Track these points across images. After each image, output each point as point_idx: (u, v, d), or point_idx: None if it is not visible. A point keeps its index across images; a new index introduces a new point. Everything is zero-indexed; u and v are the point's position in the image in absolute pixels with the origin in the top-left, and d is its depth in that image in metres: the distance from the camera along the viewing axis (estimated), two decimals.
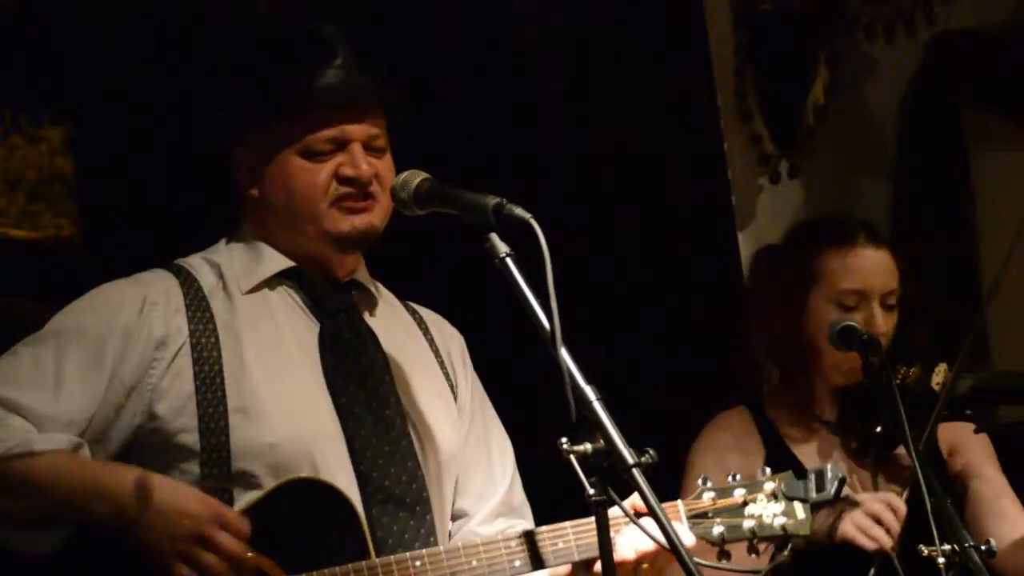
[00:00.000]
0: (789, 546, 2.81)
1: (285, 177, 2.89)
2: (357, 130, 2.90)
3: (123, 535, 2.61)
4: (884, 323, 3.58)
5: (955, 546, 3.17)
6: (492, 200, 2.62)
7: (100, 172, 3.76)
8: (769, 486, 2.83)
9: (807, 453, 3.60)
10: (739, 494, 2.82)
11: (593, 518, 2.70)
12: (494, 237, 2.60)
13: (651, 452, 2.43)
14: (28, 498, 2.66)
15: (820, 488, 2.82)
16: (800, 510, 2.82)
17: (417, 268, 3.76)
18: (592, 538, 2.74)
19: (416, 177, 2.78)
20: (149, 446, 2.78)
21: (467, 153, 3.93)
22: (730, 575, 2.74)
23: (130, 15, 3.75)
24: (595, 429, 2.43)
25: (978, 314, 3.54)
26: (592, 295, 4.10)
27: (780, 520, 2.80)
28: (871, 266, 3.61)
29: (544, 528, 2.78)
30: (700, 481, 2.84)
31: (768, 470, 2.86)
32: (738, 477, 2.85)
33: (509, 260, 2.57)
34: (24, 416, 2.70)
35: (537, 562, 2.75)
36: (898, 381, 3.53)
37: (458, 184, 2.73)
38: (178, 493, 2.64)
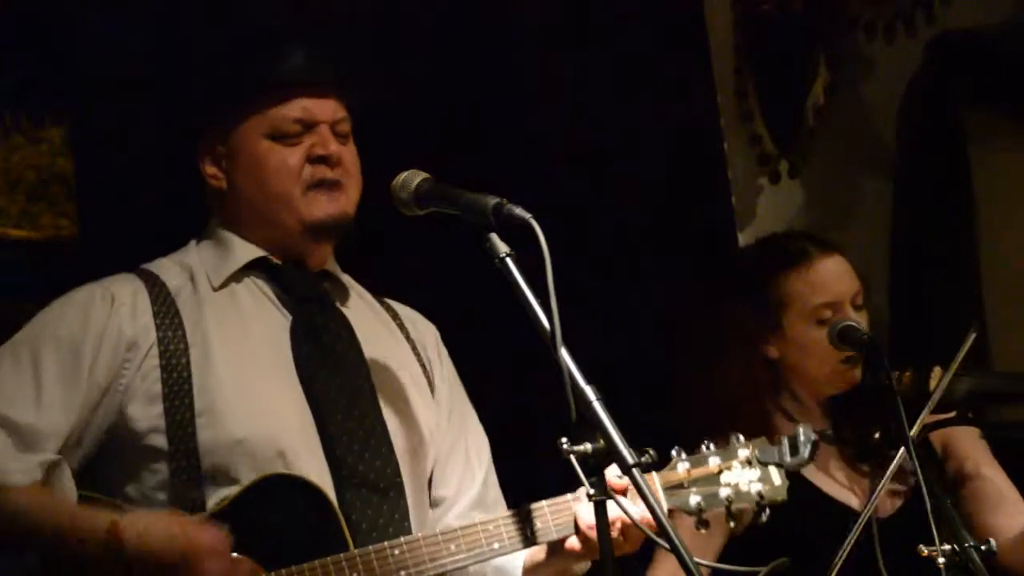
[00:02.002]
0: (767, 512, 2.80)
1: (255, 161, 2.90)
2: (323, 110, 2.92)
3: None
4: (862, 325, 3.60)
5: (955, 546, 3.16)
6: (492, 200, 2.63)
7: (100, 172, 3.76)
8: (743, 452, 2.83)
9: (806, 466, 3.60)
10: (714, 462, 2.82)
11: (567, 496, 2.76)
12: (494, 237, 2.61)
13: (651, 452, 2.44)
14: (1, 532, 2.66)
15: (794, 451, 2.83)
16: (776, 475, 2.83)
17: (417, 266, 3.77)
18: (568, 517, 2.78)
19: (416, 177, 2.78)
20: (120, 447, 2.79)
21: (466, 153, 3.93)
22: (730, 575, 2.74)
23: (130, 15, 3.75)
24: (595, 429, 2.43)
25: (975, 317, 3.54)
26: (592, 295, 4.10)
27: (756, 487, 2.81)
28: (833, 275, 3.62)
29: (521, 509, 2.79)
30: (674, 452, 2.83)
31: (741, 437, 2.86)
32: (712, 447, 2.84)
33: (509, 260, 2.58)
34: (7, 428, 2.71)
35: (516, 543, 2.77)
36: (878, 384, 3.54)
37: (458, 184, 2.73)
38: (151, 537, 2.60)
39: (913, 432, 3.32)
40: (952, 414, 3.48)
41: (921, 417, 3.36)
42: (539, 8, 4.35)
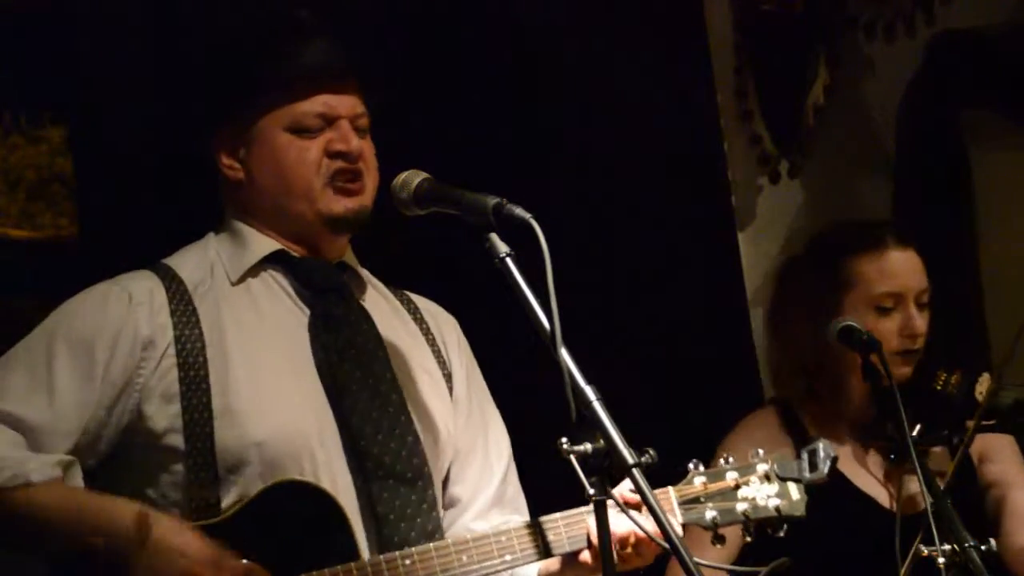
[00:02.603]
0: (784, 527, 2.79)
1: (275, 154, 2.89)
2: (344, 105, 2.91)
3: (116, 570, 2.60)
4: (921, 323, 3.61)
5: (955, 546, 3.17)
6: (492, 200, 2.62)
7: (100, 172, 3.76)
8: (762, 468, 2.82)
9: (840, 456, 3.61)
10: (731, 477, 2.81)
11: (581, 509, 2.74)
12: (494, 237, 2.60)
13: (651, 452, 2.44)
14: (24, 530, 2.66)
15: (813, 467, 2.81)
16: (795, 491, 2.81)
17: (417, 264, 3.77)
18: (581, 529, 2.76)
19: (416, 177, 2.77)
20: (137, 447, 2.78)
21: (466, 153, 3.93)
22: (730, 574, 2.74)
23: (130, 15, 3.75)
24: (595, 429, 2.43)
25: (975, 318, 3.57)
26: (592, 295, 4.10)
27: (774, 502, 2.79)
28: (904, 267, 3.64)
29: (534, 521, 2.78)
30: (691, 465, 2.82)
31: (761, 452, 2.85)
32: (731, 460, 2.84)
33: (509, 260, 2.57)
34: (21, 429, 2.70)
35: (529, 555, 2.75)
36: (938, 387, 3.55)
37: (457, 184, 2.73)
38: (175, 533, 2.62)
39: (967, 437, 3.34)
40: (992, 421, 3.49)
41: (972, 425, 3.37)
42: (540, 8, 4.35)
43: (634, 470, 2.40)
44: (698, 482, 2.80)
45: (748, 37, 4.73)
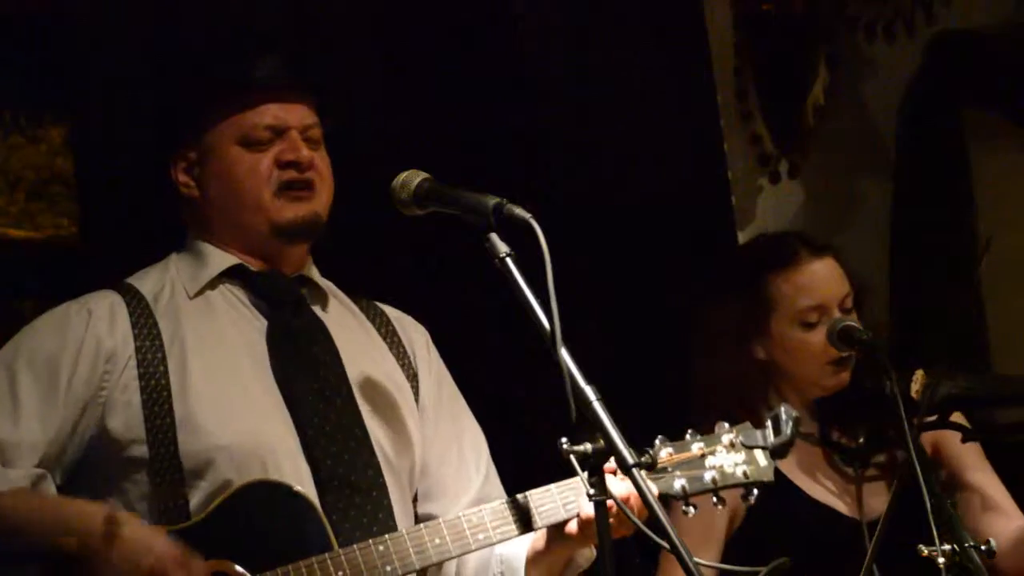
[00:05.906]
0: (755, 493, 2.81)
1: (226, 167, 2.92)
2: (292, 116, 2.93)
3: (85, 570, 2.59)
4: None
5: (955, 546, 3.16)
6: (492, 200, 2.63)
7: (100, 172, 3.76)
8: (727, 437, 2.84)
9: (790, 466, 3.59)
10: (697, 447, 2.83)
11: (550, 486, 2.77)
12: (494, 237, 2.61)
13: (651, 452, 2.45)
14: None
15: (777, 432, 2.83)
16: (761, 457, 2.84)
17: (414, 264, 3.77)
18: (552, 504, 2.78)
19: (416, 177, 2.78)
20: (100, 459, 2.80)
21: (467, 153, 3.93)
22: (730, 574, 2.74)
23: (130, 15, 3.76)
24: (595, 429, 2.43)
25: (974, 317, 3.56)
26: (592, 295, 4.10)
27: (742, 468, 2.82)
28: (821, 279, 3.59)
29: (507, 500, 2.80)
30: (658, 440, 2.82)
31: (726, 424, 2.87)
32: (697, 435, 2.85)
33: (509, 260, 2.58)
34: None
35: (499, 533, 2.76)
36: (867, 386, 3.54)
37: (458, 184, 2.73)
38: (144, 532, 2.63)
39: (912, 436, 3.32)
40: (934, 417, 3.47)
41: (916, 420, 3.35)
42: (539, 8, 4.35)
43: (634, 470, 2.40)
44: (664, 453, 2.81)
45: (748, 37, 4.73)
